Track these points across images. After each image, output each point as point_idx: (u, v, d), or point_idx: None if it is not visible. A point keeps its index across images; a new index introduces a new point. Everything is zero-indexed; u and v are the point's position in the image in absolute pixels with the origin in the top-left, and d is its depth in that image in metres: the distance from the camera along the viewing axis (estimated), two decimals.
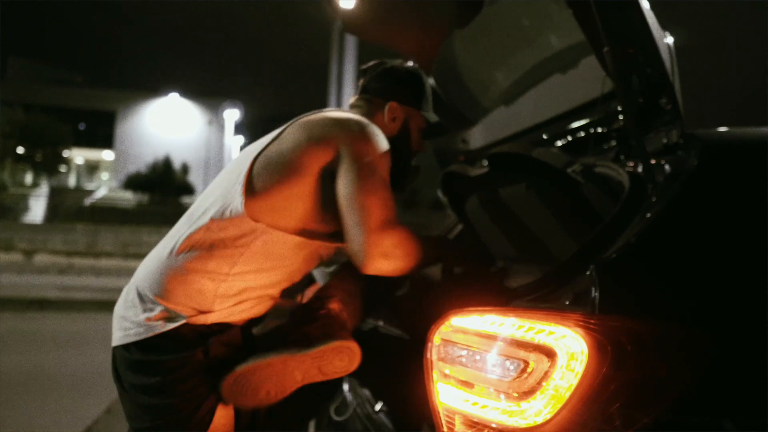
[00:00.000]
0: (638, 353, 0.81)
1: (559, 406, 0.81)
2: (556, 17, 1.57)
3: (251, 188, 1.25)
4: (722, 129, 1.12)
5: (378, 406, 1.50)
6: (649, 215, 0.98)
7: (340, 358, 1.27)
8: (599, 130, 1.42)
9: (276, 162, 1.27)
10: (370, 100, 1.50)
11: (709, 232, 0.95)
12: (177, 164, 29.29)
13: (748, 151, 1.05)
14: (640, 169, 1.17)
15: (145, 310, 1.25)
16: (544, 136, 1.65)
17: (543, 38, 1.64)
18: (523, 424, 0.84)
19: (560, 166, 1.34)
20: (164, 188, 27.18)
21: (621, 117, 1.21)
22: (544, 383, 0.83)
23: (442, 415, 0.95)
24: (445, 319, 1.01)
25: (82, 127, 37.26)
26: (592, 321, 0.83)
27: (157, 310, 1.24)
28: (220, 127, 33.76)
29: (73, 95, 36.23)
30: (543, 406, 0.83)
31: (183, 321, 1.23)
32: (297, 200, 1.26)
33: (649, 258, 0.92)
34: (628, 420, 0.78)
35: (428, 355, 1.01)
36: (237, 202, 1.24)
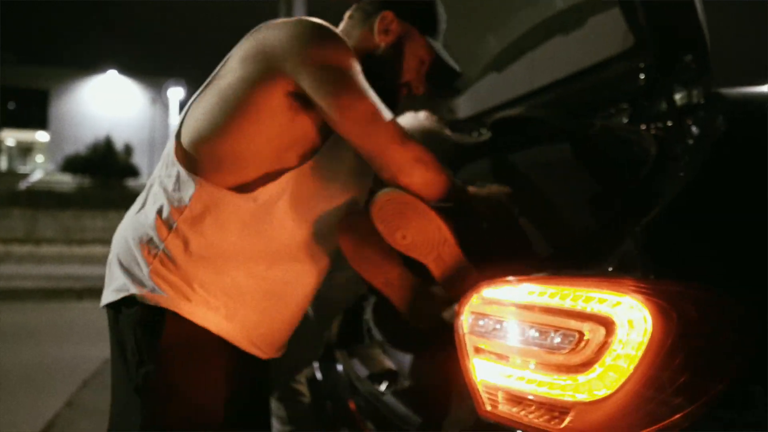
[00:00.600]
0: (703, 320, 0.77)
1: (623, 379, 0.76)
2: None
3: (188, 138, 1.12)
4: (747, 88, 1.08)
5: (383, 386, 1.43)
6: (686, 177, 0.94)
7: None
8: (609, 92, 1.37)
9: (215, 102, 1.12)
10: (366, 9, 1.26)
11: (751, 195, 0.92)
12: (119, 145, 27.94)
13: None
14: (661, 130, 1.13)
15: (110, 277, 1.16)
16: (546, 101, 1.59)
17: None
18: (580, 398, 0.79)
19: (573, 129, 1.29)
20: (107, 170, 25.95)
21: (642, 76, 1.16)
22: (603, 355, 0.78)
23: (482, 392, 0.89)
24: (475, 290, 0.94)
25: (11, 106, 35.10)
26: (651, 287, 0.78)
27: (117, 276, 1.13)
28: (164, 106, 32.40)
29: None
30: (603, 380, 0.78)
31: (132, 292, 1.08)
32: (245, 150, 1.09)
33: (696, 221, 0.88)
34: (697, 391, 0.74)
35: (460, 330, 0.95)
36: (171, 152, 1.13)
